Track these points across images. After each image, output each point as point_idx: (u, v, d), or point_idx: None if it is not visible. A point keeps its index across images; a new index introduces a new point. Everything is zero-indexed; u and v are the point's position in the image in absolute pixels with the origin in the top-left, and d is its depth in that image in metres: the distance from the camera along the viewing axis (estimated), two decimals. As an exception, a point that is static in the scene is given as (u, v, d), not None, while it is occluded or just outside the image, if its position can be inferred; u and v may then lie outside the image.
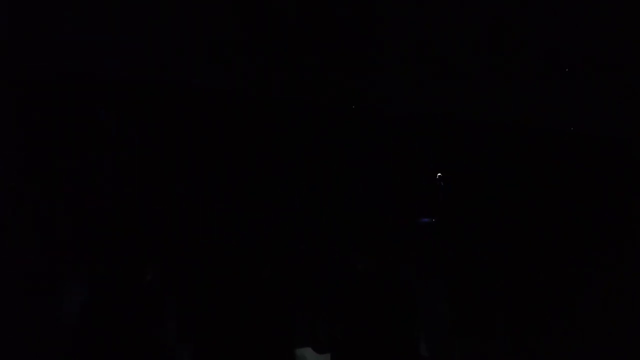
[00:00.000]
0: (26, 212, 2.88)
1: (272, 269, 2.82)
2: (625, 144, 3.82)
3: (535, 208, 3.67)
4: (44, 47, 3.12)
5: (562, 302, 3.47)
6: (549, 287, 3.54)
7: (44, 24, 3.12)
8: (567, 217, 3.66)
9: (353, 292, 2.83)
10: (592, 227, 3.63)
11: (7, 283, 2.83)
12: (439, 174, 3.61)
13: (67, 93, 3.15)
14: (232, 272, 2.77)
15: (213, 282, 2.83)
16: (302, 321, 2.78)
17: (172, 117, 3.36)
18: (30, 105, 3.07)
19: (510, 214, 3.65)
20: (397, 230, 3.37)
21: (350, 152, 3.58)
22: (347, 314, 2.78)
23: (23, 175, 2.98)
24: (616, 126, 3.83)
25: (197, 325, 2.67)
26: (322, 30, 3.46)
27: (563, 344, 3.32)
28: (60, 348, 2.70)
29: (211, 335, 2.60)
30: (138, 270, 2.72)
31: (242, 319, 2.60)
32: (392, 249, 3.03)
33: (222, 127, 3.42)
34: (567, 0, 3.64)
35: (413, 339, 2.90)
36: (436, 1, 3.57)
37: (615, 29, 3.69)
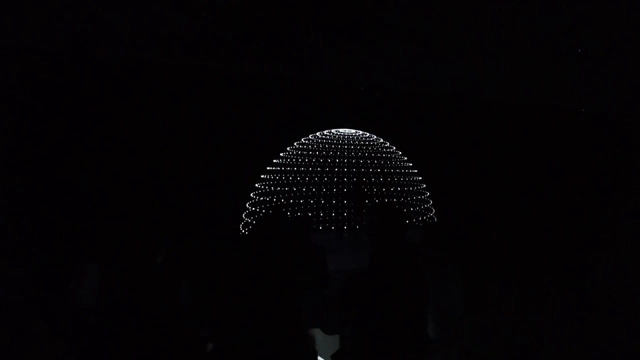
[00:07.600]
0: (30, 202, 2.85)
1: (293, 253, 2.78)
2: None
3: (549, 190, 3.64)
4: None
5: (572, 289, 3.45)
6: (557, 273, 3.52)
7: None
8: (582, 197, 3.63)
9: (365, 275, 2.81)
10: (606, 207, 3.60)
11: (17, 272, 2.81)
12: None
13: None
14: (247, 254, 2.74)
15: (226, 263, 2.81)
16: (313, 303, 2.76)
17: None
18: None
19: (523, 194, 3.63)
20: (408, 215, 3.34)
21: None
22: (359, 298, 2.78)
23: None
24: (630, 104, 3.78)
25: (209, 306, 2.65)
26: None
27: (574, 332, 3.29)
28: (71, 335, 2.69)
29: (222, 317, 2.60)
30: (149, 254, 2.70)
31: (253, 302, 2.58)
32: (404, 234, 3.01)
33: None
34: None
35: (423, 323, 2.91)
36: None
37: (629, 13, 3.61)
